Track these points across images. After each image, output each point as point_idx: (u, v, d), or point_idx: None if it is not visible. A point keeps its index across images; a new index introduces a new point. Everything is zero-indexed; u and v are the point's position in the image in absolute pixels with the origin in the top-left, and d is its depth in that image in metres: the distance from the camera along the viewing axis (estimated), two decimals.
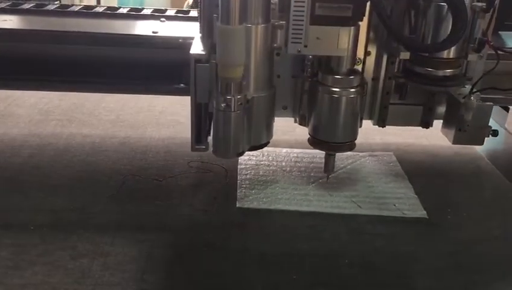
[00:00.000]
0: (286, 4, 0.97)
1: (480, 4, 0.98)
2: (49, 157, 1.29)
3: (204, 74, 0.98)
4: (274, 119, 1.09)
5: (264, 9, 0.95)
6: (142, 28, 1.30)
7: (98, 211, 1.09)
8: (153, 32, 1.24)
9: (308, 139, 1.13)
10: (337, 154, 1.30)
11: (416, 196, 1.19)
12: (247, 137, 1.03)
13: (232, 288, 0.91)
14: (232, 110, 0.96)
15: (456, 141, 1.12)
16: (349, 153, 1.20)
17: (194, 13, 1.43)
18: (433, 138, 1.48)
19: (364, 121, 1.13)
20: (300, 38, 0.98)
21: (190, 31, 1.27)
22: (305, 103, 1.12)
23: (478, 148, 1.43)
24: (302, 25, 0.97)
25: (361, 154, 1.33)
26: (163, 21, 1.35)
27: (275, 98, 1.06)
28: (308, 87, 1.10)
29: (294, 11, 0.96)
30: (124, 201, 1.13)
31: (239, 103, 0.96)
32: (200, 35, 1.08)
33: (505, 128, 1.52)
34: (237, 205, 1.13)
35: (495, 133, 1.13)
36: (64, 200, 1.12)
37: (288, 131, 1.09)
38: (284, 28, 0.98)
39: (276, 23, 0.97)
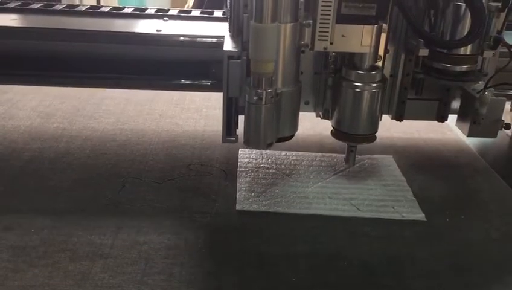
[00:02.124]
0: (312, 4, 1.02)
1: (495, 4, 1.04)
2: (49, 160, 1.29)
3: (237, 69, 1.04)
4: (299, 113, 1.13)
5: (293, 9, 1.01)
6: (146, 26, 1.34)
7: (97, 214, 1.09)
8: (157, 30, 1.27)
9: (331, 131, 1.17)
10: (337, 157, 1.33)
11: (414, 198, 1.19)
12: (275, 129, 1.07)
13: None
14: (263, 103, 1.01)
15: (470, 134, 1.16)
16: None
17: (195, 13, 1.45)
18: (431, 138, 1.49)
19: None
20: (327, 36, 1.03)
21: (193, 29, 1.32)
22: (328, 97, 1.16)
23: (475, 150, 1.44)
24: (329, 23, 1.02)
25: (360, 157, 1.33)
26: (167, 20, 1.37)
27: (300, 93, 1.11)
28: (331, 83, 1.14)
29: (322, 10, 1.01)
30: (123, 204, 1.13)
31: (270, 97, 1.01)
32: (229, 33, 1.14)
33: None
34: (237, 208, 1.13)
35: (508, 126, 1.17)
36: (64, 203, 1.12)
37: None
38: (310, 27, 1.02)
39: (304, 22, 1.02)
